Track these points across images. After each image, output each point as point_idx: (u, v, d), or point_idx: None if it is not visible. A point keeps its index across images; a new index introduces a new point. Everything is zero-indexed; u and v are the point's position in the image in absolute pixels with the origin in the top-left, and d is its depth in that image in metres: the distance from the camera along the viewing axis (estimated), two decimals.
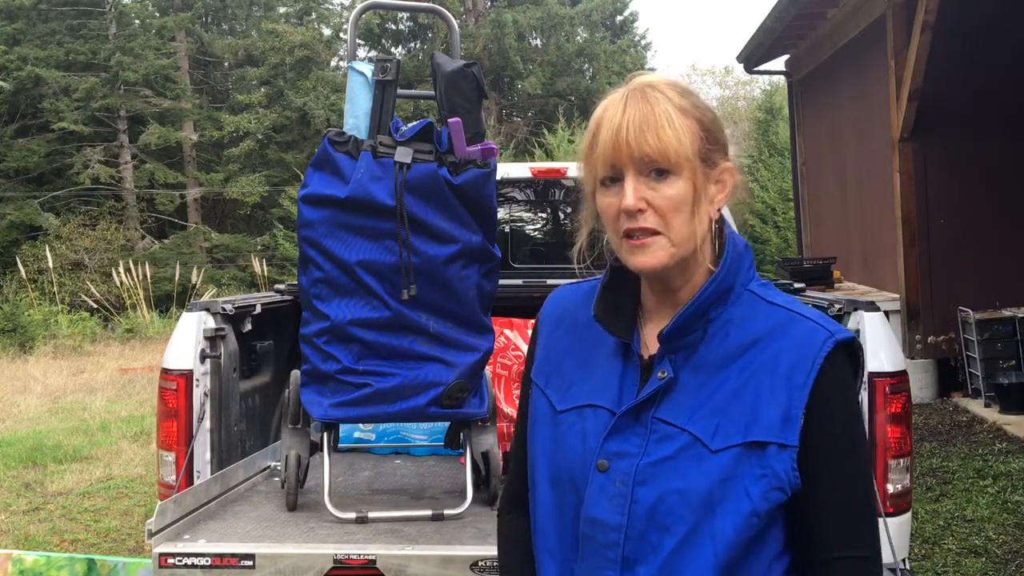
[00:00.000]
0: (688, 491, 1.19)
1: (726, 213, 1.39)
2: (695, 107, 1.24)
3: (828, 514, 1.19)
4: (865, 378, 2.73)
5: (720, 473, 1.18)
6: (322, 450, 2.73)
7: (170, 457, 2.91)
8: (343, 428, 3.35)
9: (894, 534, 2.65)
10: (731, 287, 1.26)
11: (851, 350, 1.24)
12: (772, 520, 1.20)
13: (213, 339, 3.00)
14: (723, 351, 1.24)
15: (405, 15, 24.27)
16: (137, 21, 25.08)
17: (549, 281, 4.41)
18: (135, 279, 16.86)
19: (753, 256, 1.31)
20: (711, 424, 1.20)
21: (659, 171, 1.21)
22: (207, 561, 2.28)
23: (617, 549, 1.21)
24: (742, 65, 13.34)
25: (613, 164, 1.22)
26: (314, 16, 25.76)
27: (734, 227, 1.37)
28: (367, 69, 2.63)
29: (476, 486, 2.77)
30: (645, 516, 1.20)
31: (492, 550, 2.32)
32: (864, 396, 2.73)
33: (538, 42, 25.17)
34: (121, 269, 17.19)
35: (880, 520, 1.27)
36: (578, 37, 25.17)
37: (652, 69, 27.75)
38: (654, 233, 1.21)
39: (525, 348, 3.55)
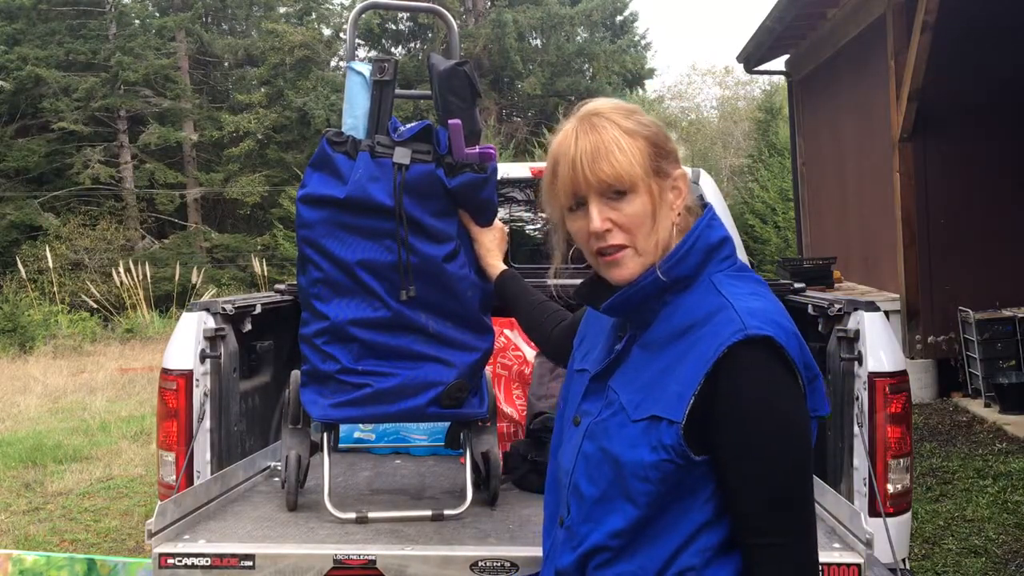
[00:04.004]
0: (608, 451, 1.33)
1: (723, 211, 1.46)
2: (640, 125, 1.37)
3: (735, 498, 1.28)
4: (865, 378, 2.73)
5: (631, 440, 1.31)
6: (322, 450, 2.73)
7: (170, 457, 2.91)
8: (343, 428, 3.35)
9: (894, 534, 2.65)
10: (686, 276, 1.35)
11: (765, 345, 1.26)
12: (686, 489, 1.29)
13: (213, 339, 3.00)
14: (667, 333, 1.35)
15: (405, 15, 24.27)
16: (137, 21, 25.10)
17: (549, 281, 4.40)
18: (135, 279, 16.87)
19: (730, 249, 1.39)
20: (638, 396, 1.33)
21: (618, 192, 1.33)
22: (207, 561, 2.27)
23: (568, 490, 1.41)
24: (742, 65, 13.34)
25: (575, 193, 1.36)
26: (314, 16, 25.77)
27: (725, 222, 1.42)
28: (365, 69, 2.62)
29: (476, 486, 2.76)
30: (583, 465, 1.38)
31: (492, 550, 2.32)
32: (864, 396, 2.73)
33: (538, 42, 25.17)
34: (121, 269, 17.20)
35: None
36: (578, 37, 25.18)
37: (652, 69, 27.77)
38: (622, 247, 1.35)
39: (525, 348, 3.55)
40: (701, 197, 1.46)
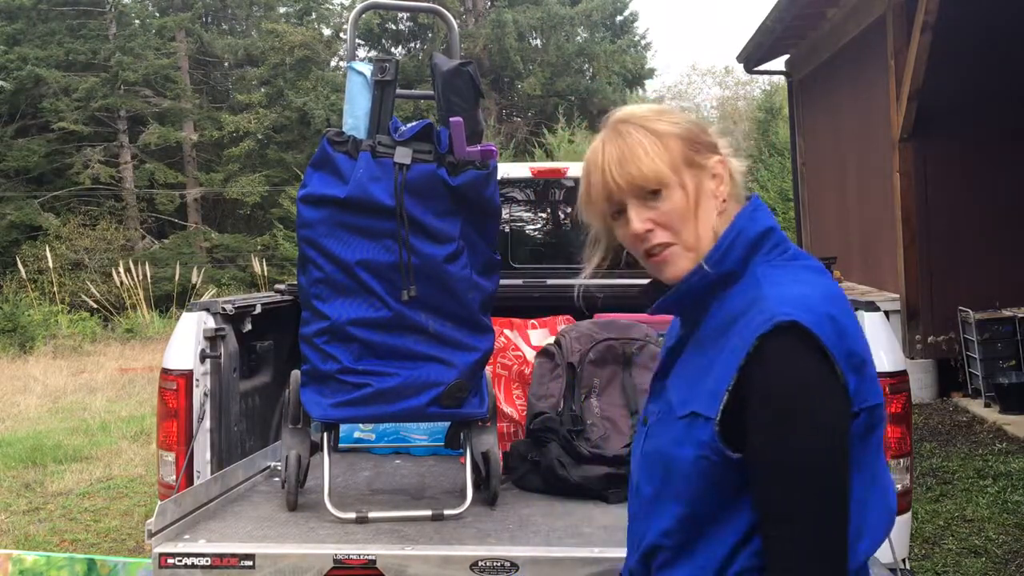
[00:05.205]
0: (659, 449, 1.35)
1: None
2: (671, 124, 1.37)
3: (759, 488, 1.25)
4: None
5: (676, 437, 1.32)
6: (322, 450, 2.73)
7: (170, 457, 2.91)
8: (343, 428, 3.35)
9: (894, 534, 2.65)
10: (732, 271, 1.35)
11: (795, 332, 1.23)
12: (732, 487, 1.27)
13: (213, 339, 3.00)
14: (713, 329, 1.34)
15: (405, 15, 24.27)
16: (137, 21, 25.10)
17: (549, 281, 4.40)
18: (135, 279, 16.87)
19: (777, 238, 1.37)
20: (683, 393, 1.34)
21: (653, 192, 1.34)
22: (207, 561, 2.28)
23: (634, 490, 1.43)
24: (742, 65, 13.33)
25: (610, 199, 1.37)
26: (314, 16, 25.77)
27: (766, 209, 1.42)
28: (366, 69, 2.63)
29: (476, 486, 2.77)
30: (643, 464, 1.40)
31: (492, 550, 2.33)
32: None
33: (538, 42, 25.17)
34: (121, 269, 17.20)
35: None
36: (578, 37, 25.18)
37: (652, 69, 27.78)
38: (668, 245, 1.35)
39: (525, 348, 3.55)
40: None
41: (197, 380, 2.92)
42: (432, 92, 2.72)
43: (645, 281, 1.53)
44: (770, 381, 1.23)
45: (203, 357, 2.95)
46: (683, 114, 1.42)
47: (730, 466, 1.26)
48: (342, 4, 25.46)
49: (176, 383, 2.90)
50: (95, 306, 17.17)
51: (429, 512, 2.61)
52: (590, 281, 1.49)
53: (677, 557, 1.33)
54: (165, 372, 2.94)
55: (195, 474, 2.91)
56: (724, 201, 1.38)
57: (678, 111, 1.43)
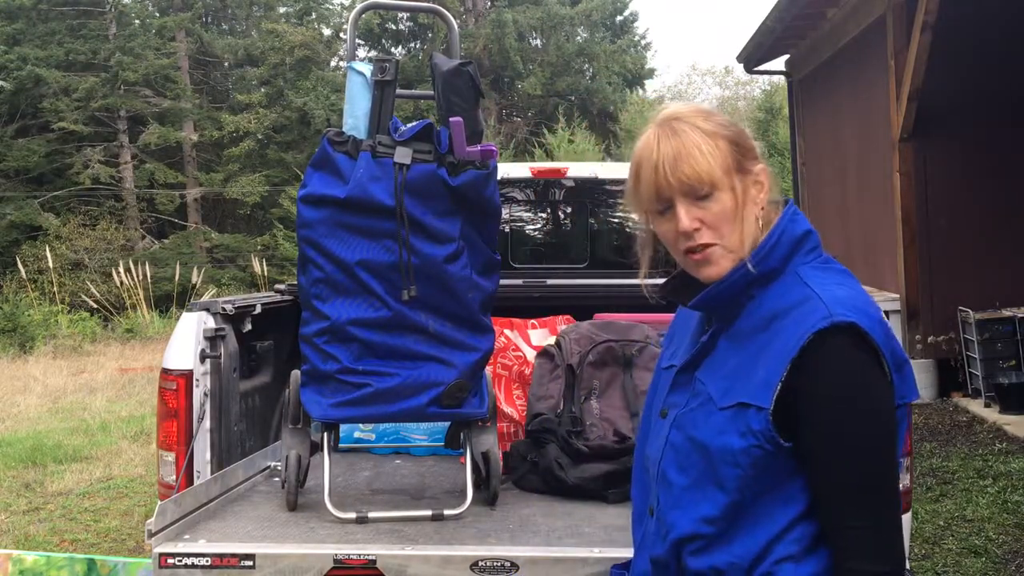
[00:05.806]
0: (696, 439, 1.38)
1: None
2: (720, 126, 1.40)
3: (821, 482, 1.32)
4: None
5: (718, 427, 1.36)
6: (322, 450, 2.73)
7: (170, 457, 2.91)
8: (343, 428, 3.35)
9: None
10: (774, 268, 1.39)
11: (852, 332, 1.30)
12: (777, 475, 1.32)
13: (213, 339, 3.00)
14: (752, 324, 1.39)
15: (405, 15, 24.28)
16: (137, 21, 25.11)
17: (549, 281, 4.40)
18: (135, 279, 16.87)
19: (815, 241, 1.44)
20: (724, 385, 1.38)
21: (702, 193, 1.37)
22: (207, 561, 2.27)
23: (656, 480, 1.46)
24: (742, 65, 13.33)
25: (659, 196, 1.40)
26: (314, 16, 25.78)
27: (803, 213, 1.46)
28: (366, 69, 2.63)
29: (476, 486, 2.76)
30: (671, 455, 1.42)
31: (492, 550, 2.32)
32: None
33: (538, 42, 25.19)
34: (121, 269, 17.20)
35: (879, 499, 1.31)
36: (578, 37, 25.20)
37: (652, 69, 27.78)
38: (711, 245, 1.39)
39: (525, 348, 3.55)
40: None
41: (197, 380, 2.92)
42: (432, 92, 2.71)
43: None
44: (829, 376, 1.30)
45: (203, 357, 2.95)
46: (726, 116, 1.46)
47: (781, 453, 1.32)
48: (342, 4, 25.48)
49: (176, 383, 2.90)
50: (95, 306, 17.18)
51: (429, 512, 2.60)
52: (650, 281, 1.53)
53: (712, 544, 1.36)
54: (165, 372, 2.93)
55: (195, 474, 2.91)
56: (763, 208, 1.43)
57: (720, 112, 1.47)
